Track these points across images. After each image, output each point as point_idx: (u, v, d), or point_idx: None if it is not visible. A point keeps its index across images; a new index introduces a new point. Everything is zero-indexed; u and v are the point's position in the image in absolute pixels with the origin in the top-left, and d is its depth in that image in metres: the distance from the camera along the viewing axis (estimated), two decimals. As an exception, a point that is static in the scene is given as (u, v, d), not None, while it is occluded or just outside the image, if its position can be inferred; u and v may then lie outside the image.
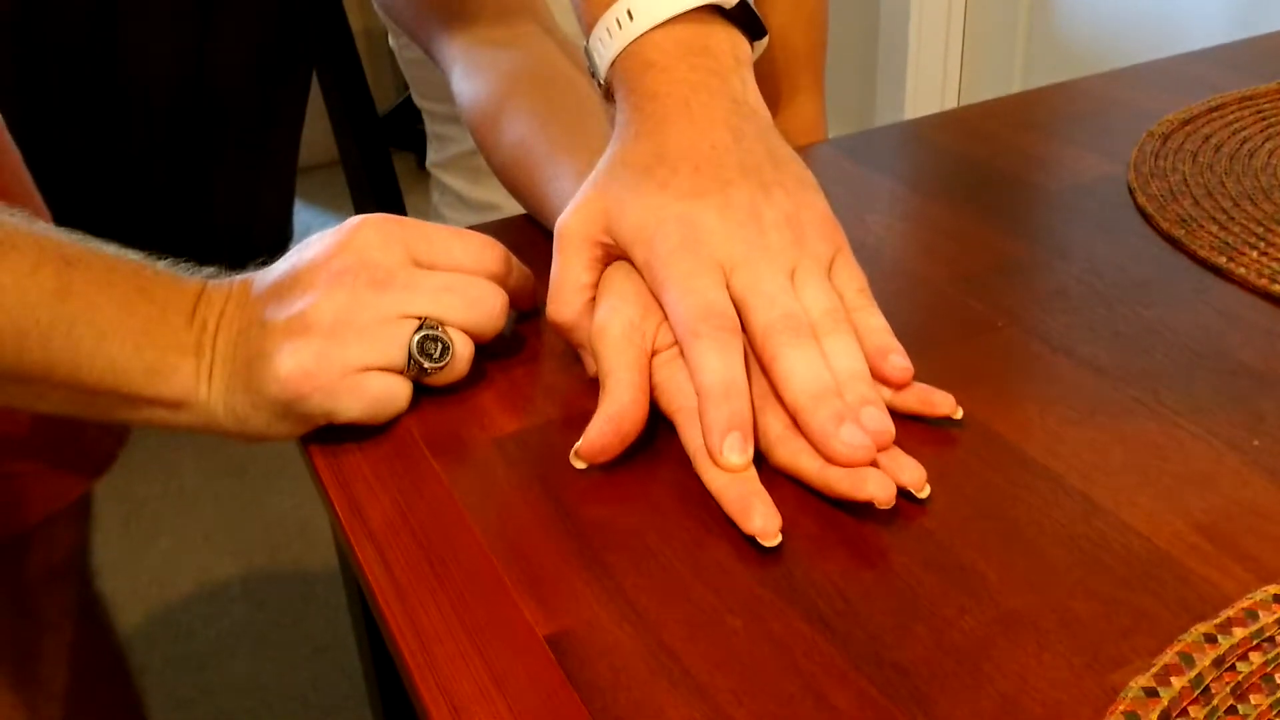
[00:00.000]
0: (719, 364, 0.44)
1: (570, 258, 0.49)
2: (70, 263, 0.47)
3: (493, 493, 0.45)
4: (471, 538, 0.43)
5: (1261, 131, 0.71)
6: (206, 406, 0.49)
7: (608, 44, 0.51)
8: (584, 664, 0.37)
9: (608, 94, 0.54)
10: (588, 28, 0.53)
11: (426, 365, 0.48)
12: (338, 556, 0.83)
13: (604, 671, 0.37)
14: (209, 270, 0.52)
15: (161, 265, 0.50)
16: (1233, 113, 0.74)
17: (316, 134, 1.83)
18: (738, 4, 0.51)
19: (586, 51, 0.54)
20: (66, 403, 0.48)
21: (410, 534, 0.44)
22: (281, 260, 0.50)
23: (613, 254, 0.50)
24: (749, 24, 0.52)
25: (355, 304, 0.47)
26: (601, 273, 0.50)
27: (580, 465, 0.46)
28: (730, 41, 0.51)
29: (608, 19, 0.51)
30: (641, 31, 0.50)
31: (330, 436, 0.49)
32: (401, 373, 0.48)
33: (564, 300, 0.49)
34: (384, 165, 0.98)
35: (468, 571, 0.41)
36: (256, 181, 2.06)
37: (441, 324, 0.48)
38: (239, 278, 0.51)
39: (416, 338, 0.48)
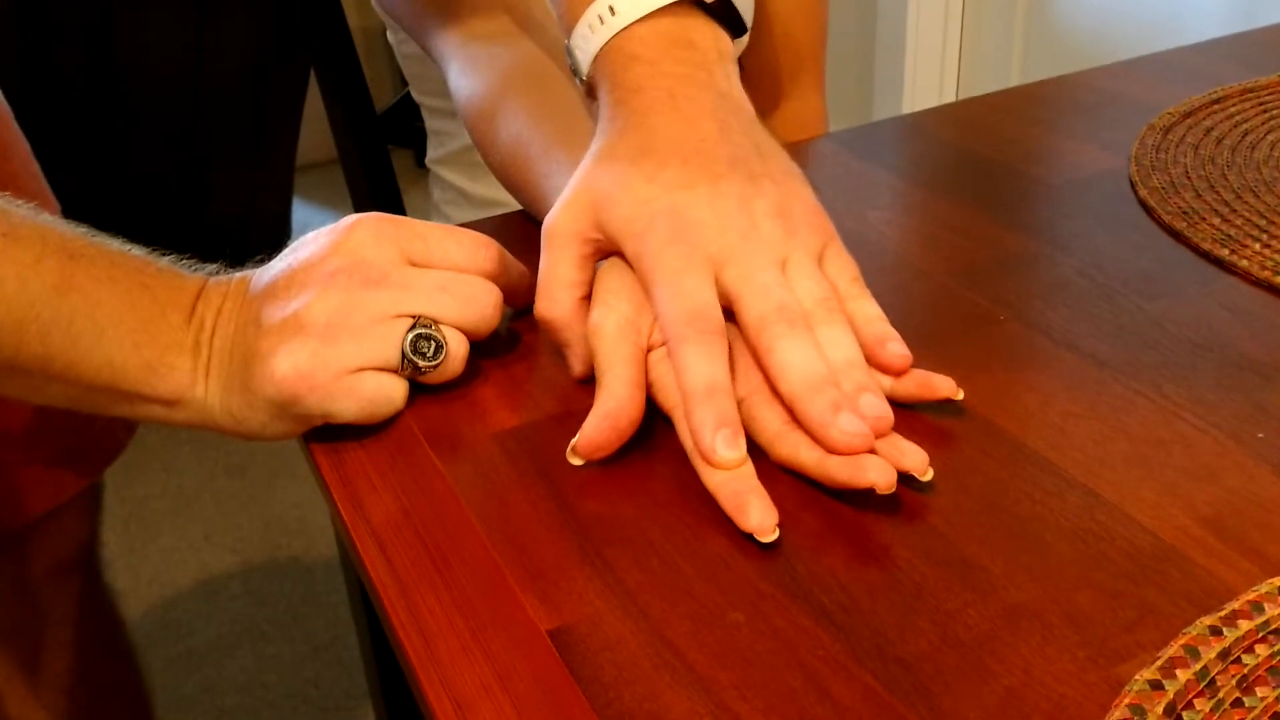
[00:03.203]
0: (703, 367, 0.44)
1: (558, 254, 0.49)
2: (73, 256, 0.46)
3: (494, 488, 0.45)
4: (473, 533, 0.43)
5: (1263, 124, 0.71)
6: (203, 405, 0.49)
7: (590, 40, 0.51)
8: (586, 659, 0.37)
9: (590, 91, 0.53)
10: (569, 27, 0.53)
11: (420, 364, 0.48)
12: (339, 553, 0.83)
13: (606, 666, 0.37)
14: (211, 267, 0.51)
15: (164, 262, 0.50)
16: (1234, 105, 0.74)
17: (315, 132, 1.83)
18: None
19: (568, 50, 0.53)
20: (63, 396, 0.48)
21: (412, 530, 0.43)
22: (278, 259, 0.50)
23: (603, 249, 0.49)
24: (730, 19, 0.52)
25: (349, 304, 0.47)
26: (592, 269, 0.50)
27: (577, 462, 0.46)
28: (713, 36, 0.51)
29: (590, 16, 0.51)
30: (624, 25, 0.50)
31: (331, 433, 0.49)
32: (396, 372, 0.48)
33: (551, 297, 0.49)
34: (382, 163, 0.98)
35: (470, 567, 0.41)
36: (254, 179, 2.06)
37: (435, 323, 0.48)
38: (237, 275, 0.51)
39: (410, 337, 0.48)
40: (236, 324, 0.48)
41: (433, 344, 0.48)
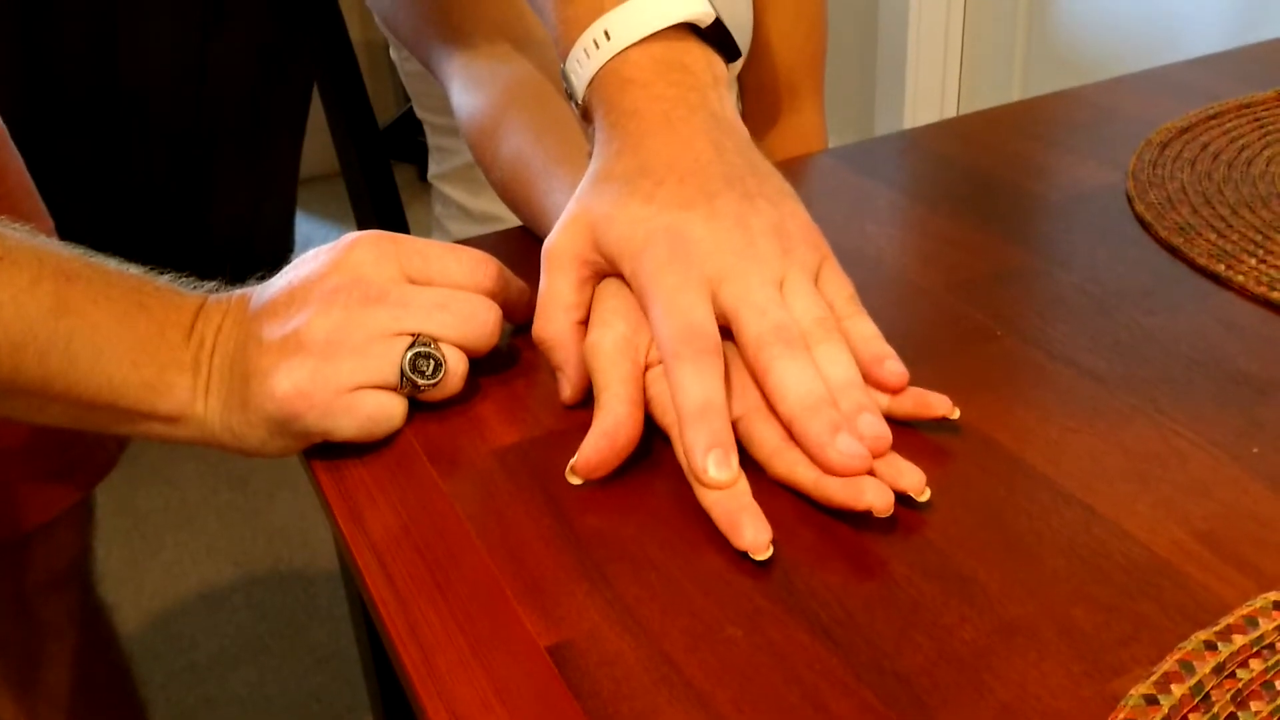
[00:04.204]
0: (697, 386, 0.44)
1: (557, 276, 0.50)
2: (69, 278, 0.47)
3: (493, 503, 0.45)
4: (472, 548, 0.43)
5: (1260, 139, 0.71)
6: (203, 422, 0.49)
7: (585, 64, 0.52)
8: (585, 674, 0.37)
9: (585, 115, 0.54)
10: (564, 52, 0.53)
11: (419, 382, 0.48)
12: (340, 567, 0.83)
13: (605, 682, 0.37)
14: (210, 285, 0.52)
15: (162, 280, 0.50)
16: (1231, 120, 0.74)
17: (317, 146, 1.84)
18: (712, 24, 0.51)
19: (563, 74, 0.54)
20: (64, 416, 0.48)
21: (411, 544, 0.44)
22: (278, 276, 0.50)
23: (601, 271, 0.50)
24: (723, 44, 0.53)
25: (348, 322, 0.47)
26: (590, 291, 0.50)
27: (576, 481, 0.46)
28: (706, 60, 0.52)
29: (584, 40, 0.51)
30: (619, 50, 0.50)
31: (331, 448, 0.49)
32: (395, 390, 0.48)
33: (548, 317, 0.49)
34: (385, 177, 0.98)
35: (469, 582, 0.42)
36: (257, 192, 2.07)
37: (434, 340, 0.48)
38: (237, 293, 0.51)
39: (409, 355, 0.48)
40: (236, 341, 0.48)
41: (432, 362, 0.48)
